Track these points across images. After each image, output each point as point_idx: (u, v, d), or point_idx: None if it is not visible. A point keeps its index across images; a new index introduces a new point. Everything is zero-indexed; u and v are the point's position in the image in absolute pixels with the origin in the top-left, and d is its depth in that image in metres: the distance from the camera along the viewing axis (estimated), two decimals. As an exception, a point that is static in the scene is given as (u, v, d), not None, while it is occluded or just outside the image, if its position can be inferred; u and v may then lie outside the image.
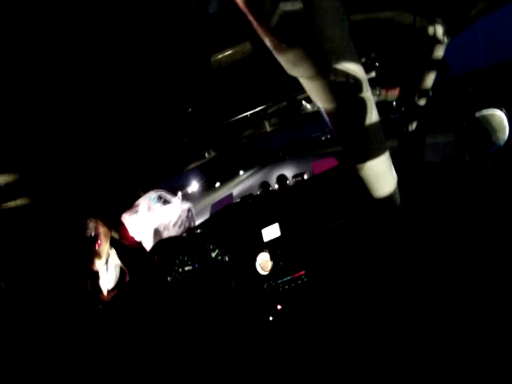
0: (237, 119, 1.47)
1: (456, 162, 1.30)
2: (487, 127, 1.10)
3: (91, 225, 1.38)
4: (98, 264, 1.38)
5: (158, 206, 6.36)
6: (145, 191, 1.67)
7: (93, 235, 1.37)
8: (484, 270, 1.01)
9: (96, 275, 1.36)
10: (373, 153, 0.70)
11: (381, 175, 0.77)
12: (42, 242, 1.10)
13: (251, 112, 1.49)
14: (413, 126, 1.36)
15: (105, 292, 1.39)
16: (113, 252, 1.48)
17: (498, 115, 1.08)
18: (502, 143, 1.08)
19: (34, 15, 0.52)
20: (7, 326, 0.87)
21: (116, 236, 1.50)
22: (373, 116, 0.65)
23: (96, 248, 1.36)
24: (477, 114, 1.12)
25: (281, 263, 1.45)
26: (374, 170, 0.74)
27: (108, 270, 1.44)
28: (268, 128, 1.70)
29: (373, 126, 0.66)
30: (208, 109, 1.26)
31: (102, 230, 1.40)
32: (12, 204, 0.94)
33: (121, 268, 1.50)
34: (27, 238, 1.05)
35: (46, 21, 0.55)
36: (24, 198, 0.97)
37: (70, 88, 0.78)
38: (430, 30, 1.00)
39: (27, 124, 0.81)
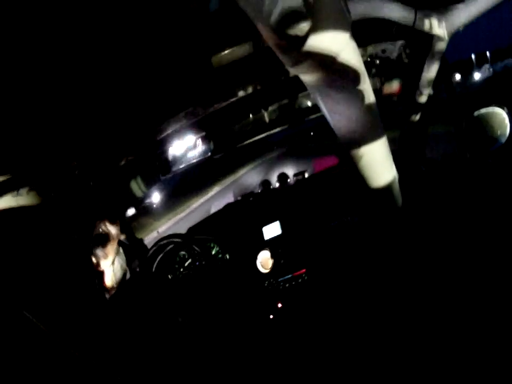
0: (238, 116, 1.47)
1: (457, 160, 1.29)
2: (487, 126, 1.10)
3: (101, 225, 1.39)
4: (105, 264, 1.39)
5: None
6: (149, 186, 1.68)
7: (102, 235, 1.38)
8: (484, 267, 1.01)
9: (102, 274, 1.37)
10: (369, 140, 0.70)
11: (378, 162, 0.76)
12: (52, 241, 1.10)
13: (251, 109, 1.49)
14: (414, 123, 1.36)
15: (109, 290, 1.40)
16: (120, 252, 1.49)
17: (499, 113, 1.08)
18: (502, 141, 1.08)
19: (35, 14, 0.52)
20: (13, 321, 0.87)
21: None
22: (373, 111, 0.65)
23: (105, 248, 1.37)
24: (478, 112, 1.11)
25: (282, 262, 1.45)
26: (370, 157, 0.73)
27: (114, 269, 1.45)
28: (268, 124, 1.70)
29: (372, 121, 0.66)
30: (209, 107, 1.26)
31: (111, 230, 1.41)
32: (21, 202, 0.94)
33: (121, 266, 1.51)
34: (37, 237, 1.06)
35: (48, 20, 0.55)
36: (35, 197, 0.97)
37: (72, 87, 0.78)
38: (431, 26, 0.99)
39: (37, 124, 0.81)
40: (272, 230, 1.55)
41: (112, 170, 1.37)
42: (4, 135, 0.77)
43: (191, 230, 1.75)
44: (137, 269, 1.58)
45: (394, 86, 1.47)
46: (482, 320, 0.93)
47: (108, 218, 1.41)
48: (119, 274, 1.48)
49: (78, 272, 1.14)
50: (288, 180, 2.79)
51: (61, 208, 1.13)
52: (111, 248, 1.41)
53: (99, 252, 1.38)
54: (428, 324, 1.01)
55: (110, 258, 1.41)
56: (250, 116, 1.59)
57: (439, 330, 0.98)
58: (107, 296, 1.37)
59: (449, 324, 0.98)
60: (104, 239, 1.39)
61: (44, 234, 1.07)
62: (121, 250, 1.49)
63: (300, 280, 1.39)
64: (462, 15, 0.96)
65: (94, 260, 1.35)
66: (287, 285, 1.40)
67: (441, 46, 1.06)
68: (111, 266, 1.42)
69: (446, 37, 1.02)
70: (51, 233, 1.10)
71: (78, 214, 1.25)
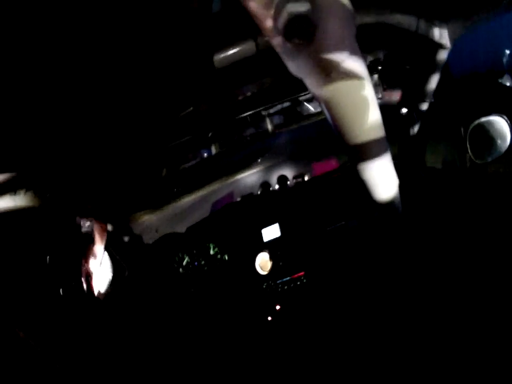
0: (240, 118, 1.48)
1: (457, 168, 1.30)
2: (488, 134, 1.11)
3: (87, 224, 1.37)
4: (93, 264, 1.37)
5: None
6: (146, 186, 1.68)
7: (88, 234, 1.36)
8: (484, 273, 1.01)
9: (90, 274, 1.35)
10: (375, 155, 0.71)
11: (382, 177, 0.78)
12: (38, 242, 1.10)
13: (253, 111, 1.49)
14: (415, 130, 1.36)
15: (99, 291, 1.38)
16: (108, 251, 1.47)
17: (499, 122, 1.09)
18: (502, 150, 1.09)
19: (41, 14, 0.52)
20: (3, 327, 0.86)
21: (117, 233, 1.50)
22: (375, 117, 0.65)
23: (92, 247, 1.36)
24: (478, 120, 1.12)
25: (280, 264, 1.45)
26: (375, 172, 0.75)
27: (103, 269, 1.43)
28: (270, 128, 1.71)
29: (375, 127, 0.67)
30: (210, 108, 1.27)
31: (98, 229, 1.40)
32: (19, 204, 0.94)
33: (120, 264, 1.50)
34: (23, 238, 1.05)
35: (47, 22, 0.56)
36: (32, 199, 0.97)
37: (71, 88, 0.78)
38: (433, 34, 1.00)
39: (27, 123, 0.81)
40: (271, 232, 1.55)
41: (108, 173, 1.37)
42: (3, 135, 0.77)
43: (190, 229, 1.75)
44: (136, 268, 1.57)
45: (395, 92, 1.48)
46: (480, 323, 0.93)
47: (94, 216, 1.39)
48: (108, 274, 1.46)
49: (65, 271, 1.13)
50: (288, 182, 2.79)
51: (50, 207, 1.12)
52: (99, 247, 1.40)
53: (87, 252, 1.36)
54: (427, 325, 1.01)
55: (99, 257, 1.39)
56: (249, 118, 1.60)
57: (437, 334, 0.98)
58: (98, 297, 1.35)
59: (447, 327, 0.98)
60: (92, 239, 1.38)
61: (32, 234, 1.06)
62: (106, 255, 1.47)
63: (298, 283, 1.39)
64: (464, 23, 0.97)
65: (81, 259, 1.33)
66: (285, 287, 1.40)
67: (443, 53, 1.06)
68: (99, 265, 1.40)
69: (448, 44, 1.03)
70: (39, 232, 1.09)
71: (67, 213, 1.24)
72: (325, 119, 0.71)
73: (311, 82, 0.58)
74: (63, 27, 0.58)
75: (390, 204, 0.85)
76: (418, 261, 1.15)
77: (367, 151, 0.70)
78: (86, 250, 1.34)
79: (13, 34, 0.54)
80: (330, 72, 0.53)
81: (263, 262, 1.48)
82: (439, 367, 0.90)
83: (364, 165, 0.73)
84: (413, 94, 1.29)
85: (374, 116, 0.65)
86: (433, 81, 1.16)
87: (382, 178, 0.77)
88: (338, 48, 0.49)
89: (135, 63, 0.82)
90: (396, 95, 1.51)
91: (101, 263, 1.41)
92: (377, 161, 0.71)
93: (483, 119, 1.11)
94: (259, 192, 2.45)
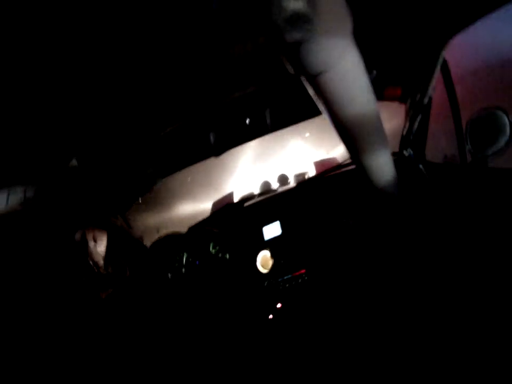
0: (238, 116, 1.48)
1: (457, 162, 1.30)
2: (488, 127, 1.10)
3: (88, 226, 1.38)
4: (95, 265, 1.38)
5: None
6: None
7: (87, 238, 1.37)
8: (484, 271, 1.01)
9: (92, 275, 1.36)
10: (374, 150, 0.71)
11: (381, 171, 0.78)
12: (41, 245, 1.10)
13: (252, 110, 1.49)
14: (414, 125, 1.36)
15: (101, 291, 1.39)
16: (109, 252, 1.48)
17: (499, 115, 1.08)
18: (503, 143, 1.08)
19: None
20: (6, 328, 0.87)
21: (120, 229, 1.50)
22: (374, 114, 0.65)
23: (92, 249, 1.37)
24: (478, 114, 1.12)
25: (282, 262, 1.46)
26: (375, 167, 0.75)
27: (105, 269, 1.44)
28: (269, 126, 1.70)
29: (373, 123, 0.67)
30: (209, 106, 1.27)
31: (98, 231, 1.41)
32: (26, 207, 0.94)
33: (121, 264, 1.51)
34: (28, 241, 1.06)
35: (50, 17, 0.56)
36: (38, 202, 0.98)
37: (73, 88, 0.78)
38: (432, 29, 1.00)
39: (27, 125, 0.81)
40: (272, 230, 1.55)
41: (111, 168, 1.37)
42: (9, 137, 0.77)
43: (191, 229, 1.76)
44: (137, 268, 1.58)
45: (395, 88, 1.47)
46: (480, 323, 0.93)
47: (95, 219, 1.41)
48: (110, 274, 1.48)
49: (68, 274, 1.14)
50: (289, 181, 2.78)
51: (52, 211, 1.12)
52: (99, 249, 1.41)
53: (92, 250, 1.37)
54: (427, 323, 1.01)
55: (100, 259, 1.41)
56: (248, 119, 1.60)
57: (437, 330, 0.98)
58: (100, 295, 1.36)
59: (447, 325, 0.98)
60: (93, 241, 1.39)
61: (35, 237, 1.07)
62: (108, 256, 1.48)
63: (299, 281, 1.39)
64: (463, 17, 0.96)
65: (83, 261, 1.34)
66: (286, 285, 1.40)
67: (442, 48, 1.06)
68: (101, 266, 1.42)
69: (447, 39, 1.02)
70: (42, 236, 1.10)
71: (68, 217, 1.25)
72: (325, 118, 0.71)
73: (309, 80, 0.58)
74: (67, 23, 0.58)
75: (389, 198, 0.85)
76: (418, 257, 1.15)
77: (367, 146, 0.70)
78: (87, 252, 1.35)
79: (14, 34, 0.54)
80: (327, 69, 0.53)
81: (264, 260, 1.48)
82: (439, 365, 0.91)
83: (363, 161, 0.73)
84: (413, 89, 1.29)
85: (373, 111, 0.64)
86: (433, 76, 1.15)
87: (380, 169, 0.78)
88: (335, 44, 0.49)
89: (135, 63, 0.82)
90: (395, 91, 1.50)
91: (102, 264, 1.42)
92: (377, 156, 0.71)
93: (483, 112, 1.10)
94: (260, 191, 2.45)
